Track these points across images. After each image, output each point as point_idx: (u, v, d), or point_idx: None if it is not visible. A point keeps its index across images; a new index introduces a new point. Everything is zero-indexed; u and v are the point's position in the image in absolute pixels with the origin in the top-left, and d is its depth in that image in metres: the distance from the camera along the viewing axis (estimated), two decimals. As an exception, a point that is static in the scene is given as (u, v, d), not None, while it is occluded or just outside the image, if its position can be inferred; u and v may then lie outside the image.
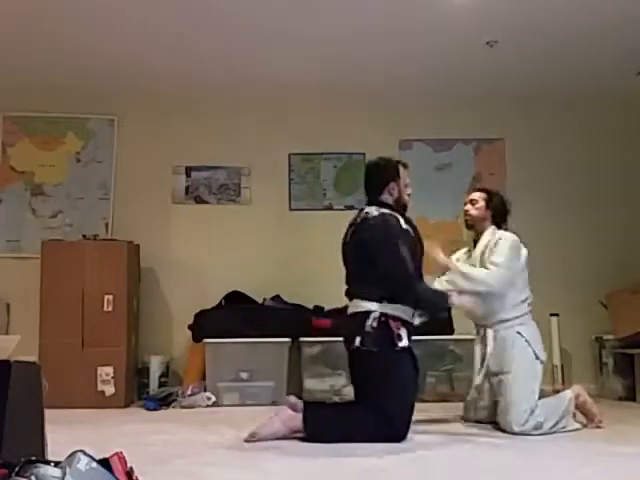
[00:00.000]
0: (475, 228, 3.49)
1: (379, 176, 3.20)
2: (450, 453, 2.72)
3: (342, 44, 4.36)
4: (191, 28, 4.13)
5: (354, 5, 3.85)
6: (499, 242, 3.34)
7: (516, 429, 3.08)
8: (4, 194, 4.98)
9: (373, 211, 3.09)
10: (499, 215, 3.48)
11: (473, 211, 3.48)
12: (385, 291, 2.99)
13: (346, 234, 3.21)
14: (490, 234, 3.41)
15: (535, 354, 3.25)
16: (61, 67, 4.68)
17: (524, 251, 3.38)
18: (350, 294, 3.13)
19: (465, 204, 3.54)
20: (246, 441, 2.87)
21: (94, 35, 4.20)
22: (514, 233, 3.42)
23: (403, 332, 2.97)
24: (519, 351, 3.23)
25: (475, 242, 3.48)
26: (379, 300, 2.99)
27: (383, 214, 3.07)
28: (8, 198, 4.98)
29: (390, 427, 2.89)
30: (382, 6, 3.85)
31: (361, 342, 2.94)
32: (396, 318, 2.97)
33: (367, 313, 2.98)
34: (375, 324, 2.95)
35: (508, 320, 3.29)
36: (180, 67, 4.71)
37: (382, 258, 2.99)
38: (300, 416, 2.89)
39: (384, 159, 3.26)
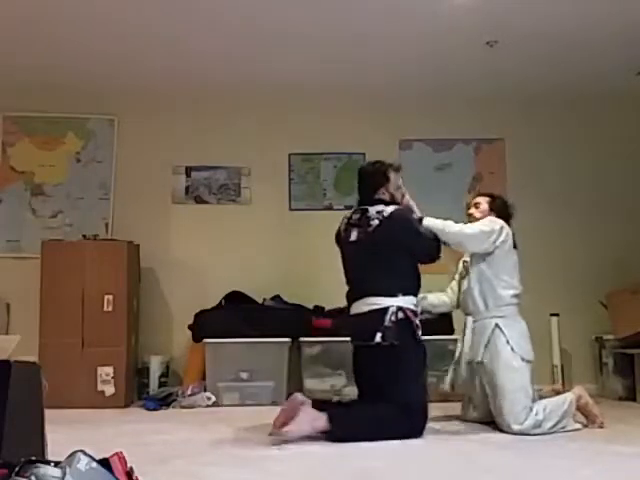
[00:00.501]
0: None
1: (369, 181, 3.30)
2: (450, 453, 2.72)
3: (342, 44, 4.36)
4: (191, 28, 4.12)
5: (354, 5, 3.85)
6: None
7: (515, 428, 3.08)
8: (4, 194, 4.98)
9: (387, 208, 3.16)
10: (502, 217, 3.50)
11: (477, 214, 3.55)
12: (402, 284, 3.10)
13: (347, 234, 3.24)
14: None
15: (517, 353, 3.22)
16: (61, 67, 4.67)
17: (503, 233, 3.36)
18: (361, 292, 3.14)
19: (469, 208, 3.62)
20: (271, 434, 2.89)
21: (94, 35, 4.19)
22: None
23: (419, 322, 3.11)
24: (499, 348, 3.22)
25: None
26: (395, 294, 3.06)
27: (400, 209, 3.20)
28: (8, 198, 4.98)
29: (412, 421, 2.96)
30: (382, 6, 3.85)
31: (382, 337, 2.97)
32: (411, 310, 3.08)
33: (385, 309, 3.02)
34: (394, 318, 3.01)
35: (488, 308, 3.32)
36: (180, 67, 4.71)
37: (419, 248, 3.18)
38: (324, 416, 2.85)
39: (372, 164, 3.35)
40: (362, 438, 2.83)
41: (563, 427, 3.15)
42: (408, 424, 2.95)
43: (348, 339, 3.24)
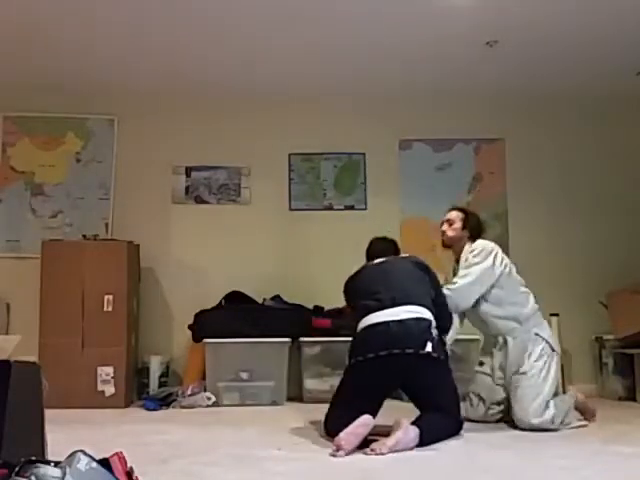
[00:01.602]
0: (452, 248, 3.56)
1: (388, 247, 3.38)
2: (449, 453, 2.72)
3: (342, 46, 4.36)
4: (191, 29, 4.12)
5: (354, 7, 3.85)
6: (468, 257, 3.42)
7: (535, 421, 3.13)
8: (4, 194, 4.98)
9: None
10: (475, 235, 3.53)
11: (450, 232, 3.53)
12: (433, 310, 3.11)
13: (368, 265, 3.27)
14: (467, 251, 3.47)
15: (552, 348, 3.33)
16: (61, 67, 4.67)
17: (498, 257, 3.38)
18: (401, 299, 3.00)
19: (442, 224, 3.58)
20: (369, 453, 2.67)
21: (94, 36, 4.20)
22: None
23: None
24: (539, 349, 3.30)
25: (458, 261, 3.54)
26: (433, 312, 3.06)
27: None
28: (8, 198, 4.98)
29: (459, 428, 3.04)
30: (381, 7, 3.85)
31: (432, 348, 2.90)
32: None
33: (429, 321, 2.99)
34: (436, 332, 2.98)
35: (520, 322, 3.36)
36: (180, 67, 4.71)
37: (440, 294, 3.20)
38: (417, 435, 2.75)
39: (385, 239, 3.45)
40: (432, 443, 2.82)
41: (569, 423, 3.21)
42: (457, 429, 3.02)
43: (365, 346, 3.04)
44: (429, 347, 2.88)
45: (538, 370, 3.24)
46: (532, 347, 3.30)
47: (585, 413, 3.36)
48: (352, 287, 3.24)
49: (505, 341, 3.38)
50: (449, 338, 3.31)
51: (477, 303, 3.40)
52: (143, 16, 3.95)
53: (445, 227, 3.55)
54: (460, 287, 3.31)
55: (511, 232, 5.07)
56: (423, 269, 3.17)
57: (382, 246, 3.35)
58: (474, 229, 3.52)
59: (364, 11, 3.91)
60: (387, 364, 2.90)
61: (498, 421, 3.40)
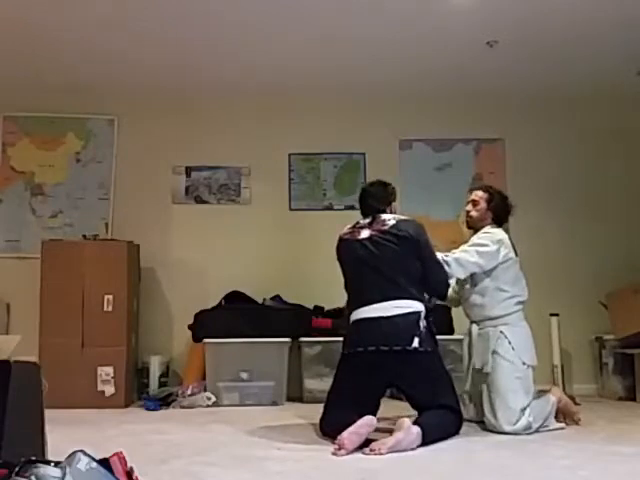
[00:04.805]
0: (475, 229, 3.48)
1: (380, 196, 3.30)
2: (449, 452, 2.72)
3: (343, 45, 4.36)
4: (191, 29, 4.13)
5: (354, 7, 3.85)
6: (474, 239, 3.37)
7: (507, 428, 3.07)
8: (4, 194, 4.98)
9: (399, 216, 3.20)
10: (500, 216, 3.46)
11: (474, 212, 3.46)
12: (423, 290, 3.10)
13: (354, 235, 3.17)
14: (480, 232, 3.41)
15: (520, 358, 3.20)
16: (61, 67, 4.68)
17: (503, 249, 3.31)
18: (383, 294, 3.01)
19: (467, 204, 3.51)
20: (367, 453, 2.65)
21: (94, 36, 4.20)
22: (506, 232, 3.42)
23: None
24: (502, 353, 3.20)
25: None
26: (422, 300, 3.05)
27: (414, 220, 3.23)
28: (8, 198, 4.98)
29: (461, 420, 3.03)
30: (382, 7, 3.85)
31: (419, 343, 2.91)
32: (430, 317, 3.05)
33: (417, 313, 2.98)
34: (424, 324, 2.98)
35: (492, 318, 3.28)
36: (180, 67, 4.71)
37: (430, 260, 3.15)
38: (420, 434, 2.75)
39: (381, 183, 3.36)
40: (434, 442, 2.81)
41: (546, 426, 3.16)
42: (458, 423, 3.02)
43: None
44: (416, 342, 2.92)
45: (508, 377, 3.15)
46: (496, 345, 3.21)
47: (567, 416, 3.31)
48: (343, 269, 3.23)
49: (471, 328, 3.35)
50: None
51: (464, 282, 3.38)
52: (143, 17, 3.95)
53: (469, 207, 3.48)
54: (458, 257, 3.25)
55: (511, 232, 5.03)
56: (410, 242, 3.07)
57: (374, 201, 3.27)
58: (498, 210, 3.44)
59: (364, 11, 3.91)
60: (376, 360, 2.95)
61: (473, 420, 3.36)
